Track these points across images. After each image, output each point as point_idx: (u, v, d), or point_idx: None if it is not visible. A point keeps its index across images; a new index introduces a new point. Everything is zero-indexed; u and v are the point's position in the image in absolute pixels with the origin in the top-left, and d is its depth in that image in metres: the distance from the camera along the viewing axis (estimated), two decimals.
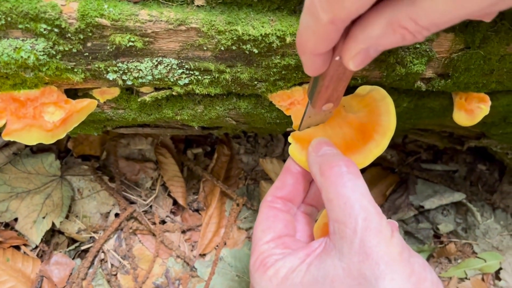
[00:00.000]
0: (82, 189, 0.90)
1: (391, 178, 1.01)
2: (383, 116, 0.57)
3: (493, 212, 1.03)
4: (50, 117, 0.57)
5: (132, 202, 0.92)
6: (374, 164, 1.05)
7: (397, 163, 1.04)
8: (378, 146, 0.56)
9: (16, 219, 0.87)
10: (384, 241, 0.44)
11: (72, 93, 0.61)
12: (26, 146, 0.91)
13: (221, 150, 0.99)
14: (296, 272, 0.47)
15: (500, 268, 0.98)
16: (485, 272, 0.98)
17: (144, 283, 0.88)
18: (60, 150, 0.94)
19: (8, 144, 0.90)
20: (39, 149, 0.92)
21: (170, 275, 0.89)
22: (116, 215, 0.90)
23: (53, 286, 0.84)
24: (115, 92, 0.62)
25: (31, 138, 0.55)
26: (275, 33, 0.54)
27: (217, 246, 0.91)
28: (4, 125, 0.56)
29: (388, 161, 1.04)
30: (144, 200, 0.92)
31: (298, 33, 0.43)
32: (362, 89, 0.60)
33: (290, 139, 0.59)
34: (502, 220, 1.02)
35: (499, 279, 0.97)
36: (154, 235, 0.90)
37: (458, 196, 0.97)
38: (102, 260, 0.89)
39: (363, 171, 1.02)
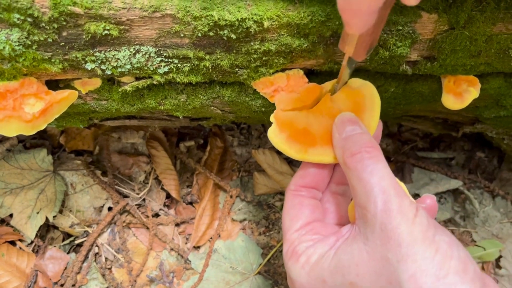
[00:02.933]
0: (75, 184, 0.91)
1: None
2: (366, 114, 0.57)
3: (492, 200, 1.01)
4: (31, 108, 0.57)
5: (125, 196, 0.92)
6: None
7: (393, 152, 1.03)
8: None
9: (11, 215, 0.88)
10: (405, 222, 0.43)
11: (54, 85, 0.61)
12: (19, 142, 0.92)
13: (214, 142, 0.98)
14: (325, 257, 0.48)
15: (500, 256, 0.96)
16: (485, 261, 0.96)
17: (138, 276, 0.88)
18: (53, 145, 0.95)
19: (1, 140, 0.90)
20: (32, 145, 0.92)
21: (164, 268, 0.89)
22: (109, 209, 0.91)
23: (48, 280, 0.85)
24: (97, 83, 0.62)
25: (10, 129, 0.55)
26: (252, 18, 0.54)
27: (211, 238, 0.91)
28: None
29: (384, 150, 1.03)
30: (137, 193, 0.92)
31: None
32: (354, 82, 0.59)
33: (271, 118, 0.57)
34: (502, 208, 1.01)
35: (500, 267, 0.95)
36: (147, 228, 0.90)
37: (455, 184, 0.95)
38: (96, 254, 0.89)
39: None
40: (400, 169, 1.00)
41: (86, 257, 0.88)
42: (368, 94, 0.58)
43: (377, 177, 0.47)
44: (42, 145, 0.92)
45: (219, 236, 0.92)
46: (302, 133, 0.56)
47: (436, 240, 0.43)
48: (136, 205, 0.92)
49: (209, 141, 0.98)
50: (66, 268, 0.87)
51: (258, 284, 0.87)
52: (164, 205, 0.94)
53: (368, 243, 0.45)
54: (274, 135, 0.56)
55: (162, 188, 0.94)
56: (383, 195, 0.45)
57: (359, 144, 0.50)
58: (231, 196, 0.94)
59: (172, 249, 0.90)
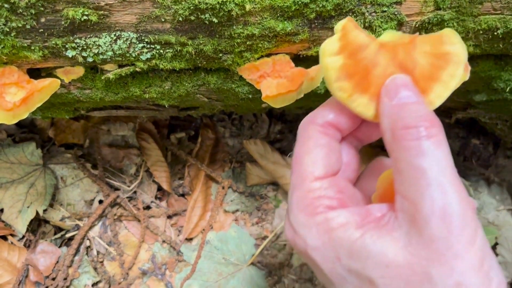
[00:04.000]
0: (66, 177, 0.90)
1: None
2: (439, 87, 0.44)
3: (488, 187, 1.00)
4: (12, 97, 0.56)
5: (116, 189, 0.92)
6: None
7: None
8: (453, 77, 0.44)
9: (2, 210, 0.87)
10: (463, 242, 0.35)
11: (36, 74, 0.61)
12: (8, 136, 0.91)
13: (205, 133, 0.97)
14: (348, 233, 0.39)
15: (497, 243, 0.95)
16: None
17: (130, 269, 0.87)
18: (43, 139, 0.94)
19: None
20: (21, 139, 0.92)
21: (156, 260, 0.88)
22: (100, 202, 0.90)
23: (39, 274, 0.84)
24: (80, 71, 0.61)
25: None
26: (233, 0, 0.53)
27: (203, 230, 0.90)
28: None
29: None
30: (128, 186, 0.91)
31: None
32: (450, 36, 0.46)
33: (338, 25, 0.45)
34: (498, 195, 1.00)
35: (496, 254, 0.94)
36: (139, 221, 0.90)
37: None
38: (88, 247, 0.88)
39: None
40: None
41: (77, 250, 0.87)
42: (453, 64, 0.45)
43: (437, 168, 0.37)
44: (31, 139, 0.92)
45: (212, 227, 0.91)
46: (361, 71, 0.44)
47: (490, 277, 0.36)
48: (127, 197, 0.91)
49: (200, 132, 0.97)
50: (57, 262, 0.86)
51: (251, 274, 0.86)
52: (156, 197, 0.94)
53: (409, 248, 0.37)
54: (329, 51, 0.44)
55: (154, 181, 0.94)
56: (443, 197, 0.36)
57: (416, 115, 0.39)
58: (223, 187, 0.93)
59: (164, 241, 0.90)
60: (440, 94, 0.44)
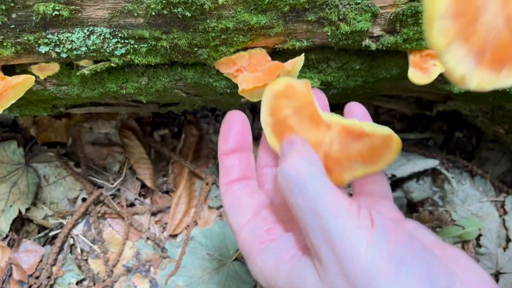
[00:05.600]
0: (48, 176, 0.90)
1: None
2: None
3: (471, 179, 1.01)
4: None
5: (99, 187, 0.92)
6: None
7: None
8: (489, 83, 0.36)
9: None
10: (361, 252, 0.37)
11: (11, 71, 0.60)
12: None
13: (189, 130, 0.97)
14: (280, 271, 0.43)
15: (480, 235, 0.96)
16: (465, 240, 0.96)
17: (115, 266, 0.87)
18: (25, 138, 0.94)
19: None
20: (3, 138, 0.91)
21: (141, 257, 0.88)
22: (84, 200, 0.90)
23: (23, 273, 0.84)
24: (55, 67, 0.61)
25: None
26: None
27: (187, 226, 0.90)
28: None
29: None
30: (112, 184, 0.91)
31: None
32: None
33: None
34: (481, 187, 1.00)
35: (480, 246, 0.95)
36: (123, 218, 0.90)
37: (432, 163, 0.95)
38: (71, 245, 0.88)
39: None
40: None
41: (61, 249, 0.87)
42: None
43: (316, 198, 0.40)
44: (13, 138, 0.91)
45: (196, 223, 0.91)
46: (472, 12, 0.35)
47: (402, 274, 0.36)
48: (110, 195, 0.91)
49: (184, 129, 0.97)
50: (41, 260, 0.86)
51: (235, 270, 0.86)
52: (140, 194, 0.93)
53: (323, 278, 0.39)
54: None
55: (137, 178, 0.93)
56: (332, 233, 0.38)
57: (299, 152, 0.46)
58: (207, 184, 0.93)
59: (148, 238, 0.90)
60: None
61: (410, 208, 0.98)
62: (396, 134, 0.51)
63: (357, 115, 0.55)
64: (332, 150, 0.52)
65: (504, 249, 0.94)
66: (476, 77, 0.36)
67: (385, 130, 0.50)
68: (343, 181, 0.53)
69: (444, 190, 0.98)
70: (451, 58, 0.35)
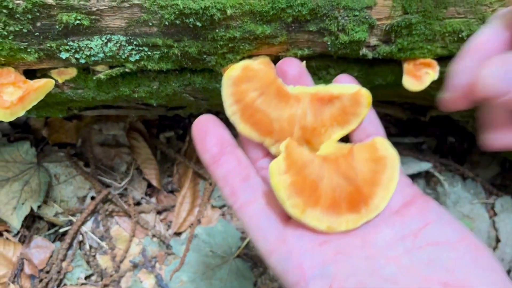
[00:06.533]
0: (59, 175, 0.94)
1: None
2: (380, 190, 0.48)
3: (463, 182, 1.05)
4: (9, 96, 0.60)
5: (108, 186, 0.96)
6: (343, 140, 1.07)
7: None
8: (354, 223, 0.47)
9: None
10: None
11: (32, 75, 0.64)
12: (3, 135, 0.95)
13: None
14: None
15: None
16: None
17: (122, 262, 0.91)
18: (37, 139, 0.98)
19: None
20: (15, 139, 0.95)
21: (146, 254, 0.92)
22: (93, 198, 0.94)
23: (34, 268, 0.88)
24: (73, 72, 0.65)
25: None
26: (215, 6, 0.57)
27: (191, 224, 0.94)
28: None
29: None
30: (119, 183, 0.95)
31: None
32: (381, 144, 0.51)
33: (282, 146, 0.48)
34: (472, 189, 1.05)
35: None
36: (130, 216, 0.94)
37: (425, 166, 0.99)
38: (80, 242, 0.92)
39: None
40: None
41: (70, 245, 0.91)
42: (390, 168, 0.49)
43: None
44: (26, 138, 0.95)
45: (199, 222, 0.95)
46: (309, 186, 0.46)
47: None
48: (118, 194, 0.95)
49: (189, 131, 1.02)
50: (51, 256, 0.89)
51: (237, 266, 0.90)
52: (146, 194, 0.98)
53: None
54: (277, 171, 0.46)
55: (144, 178, 0.97)
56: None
57: None
58: (210, 184, 0.97)
59: (154, 236, 0.94)
60: (384, 196, 0.48)
61: None
62: (364, 88, 0.52)
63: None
64: (307, 122, 0.51)
65: (494, 249, 0.98)
66: (340, 224, 0.47)
67: (353, 88, 0.52)
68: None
69: (437, 192, 1.03)
70: (311, 220, 0.46)
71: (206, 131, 0.50)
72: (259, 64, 0.50)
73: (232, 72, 0.50)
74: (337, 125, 0.51)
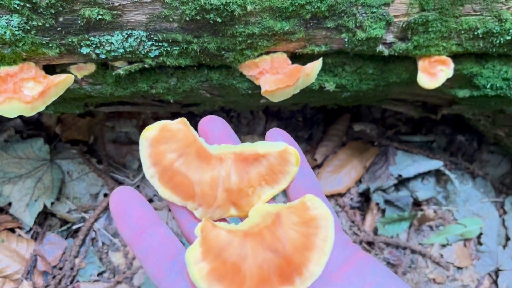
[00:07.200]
0: (72, 172, 0.94)
1: (371, 151, 1.04)
2: (314, 256, 0.45)
3: (473, 180, 1.05)
4: (30, 91, 0.60)
5: (120, 183, 0.96)
6: (354, 138, 1.08)
7: (377, 137, 1.07)
8: None
9: (10, 204, 0.91)
10: None
11: (51, 70, 0.65)
12: (17, 132, 0.95)
13: None
14: None
15: (481, 233, 1.00)
16: (466, 238, 1.01)
17: (134, 259, 0.91)
18: (50, 136, 0.98)
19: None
20: (29, 136, 0.96)
21: None
22: (105, 195, 0.94)
23: (47, 264, 0.88)
24: (92, 67, 0.66)
25: (12, 110, 0.58)
26: (236, 2, 0.58)
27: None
28: None
29: (368, 135, 1.07)
30: (132, 180, 0.96)
31: None
32: (311, 202, 0.47)
33: (197, 230, 0.44)
34: (482, 188, 1.05)
35: (481, 244, 1.00)
36: None
37: (435, 164, 1.00)
38: (93, 238, 0.92)
39: (343, 145, 1.04)
40: (384, 152, 1.04)
41: (83, 242, 0.91)
42: (323, 228, 0.46)
43: None
44: (38, 135, 0.96)
45: None
46: (231, 270, 0.43)
47: None
48: None
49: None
50: (64, 252, 0.90)
51: None
52: None
53: None
54: (193, 260, 0.42)
55: None
56: None
57: None
58: None
59: None
60: (318, 261, 0.44)
61: (416, 206, 1.02)
62: (291, 146, 0.48)
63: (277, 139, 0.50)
64: (231, 183, 0.47)
65: (504, 247, 0.99)
66: None
67: (279, 146, 0.48)
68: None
69: (447, 190, 1.03)
70: None
71: (124, 206, 0.44)
72: (177, 124, 0.47)
73: (148, 133, 0.46)
74: (266, 185, 0.48)
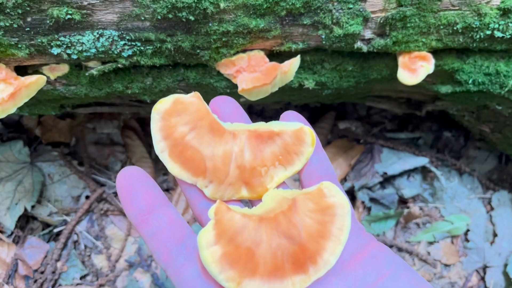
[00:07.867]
0: (53, 174, 0.93)
1: (357, 149, 1.04)
2: (330, 243, 0.44)
3: (459, 177, 1.05)
4: (0, 93, 0.59)
5: (102, 185, 0.95)
6: (339, 136, 1.07)
7: (362, 134, 1.06)
8: (301, 285, 0.43)
9: None
10: None
11: (23, 71, 0.64)
12: None
13: None
14: None
15: (468, 230, 1.00)
16: (453, 235, 1.00)
17: (117, 262, 0.90)
18: (30, 138, 0.97)
19: None
20: (8, 138, 0.94)
21: (142, 253, 0.91)
22: (87, 197, 0.93)
23: (28, 268, 0.87)
24: (65, 68, 0.65)
25: None
26: None
27: (187, 222, 0.94)
28: None
29: (353, 132, 1.06)
30: (114, 181, 0.94)
31: None
32: (329, 189, 0.46)
33: (210, 212, 0.42)
34: (469, 184, 1.05)
35: (468, 240, 0.99)
36: (125, 215, 0.93)
37: (421, 161, 0.99)
38: (75, 241, 0.91)
39: (328, 143, 1.04)
40: (369, 150, 1.03)
41: (65, 245, 0.90)
42: (340, 216, 0.45)
43: None
44: (18, 138, 0.94)
45: (195, 220, 0.94)
46: (244, 255, 0.41)
47: None
48: (113, 193, 0.94)
49: None
50: (46, 256, 0.89)
51: None
52: None
53: None
54: (206, 243, 0.40)
55: None
56: None
57: None
58: None
59: None
60: (334, 250, 0.43)
61: (401, 204, 1.02)
62: (307, 125, 0.47)
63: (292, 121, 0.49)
64: (245, 160, 0.45)
65: (491, 243, 0.98)
66: None
67: (295, 125, 0.47)
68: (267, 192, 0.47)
69: (433, 187, 1.02)
70: None
71: (131, 186, 0.42)
72: (191, 97, 0.46)
73: (160, 105, 0.45)
74: (280, 166, 0.46)
